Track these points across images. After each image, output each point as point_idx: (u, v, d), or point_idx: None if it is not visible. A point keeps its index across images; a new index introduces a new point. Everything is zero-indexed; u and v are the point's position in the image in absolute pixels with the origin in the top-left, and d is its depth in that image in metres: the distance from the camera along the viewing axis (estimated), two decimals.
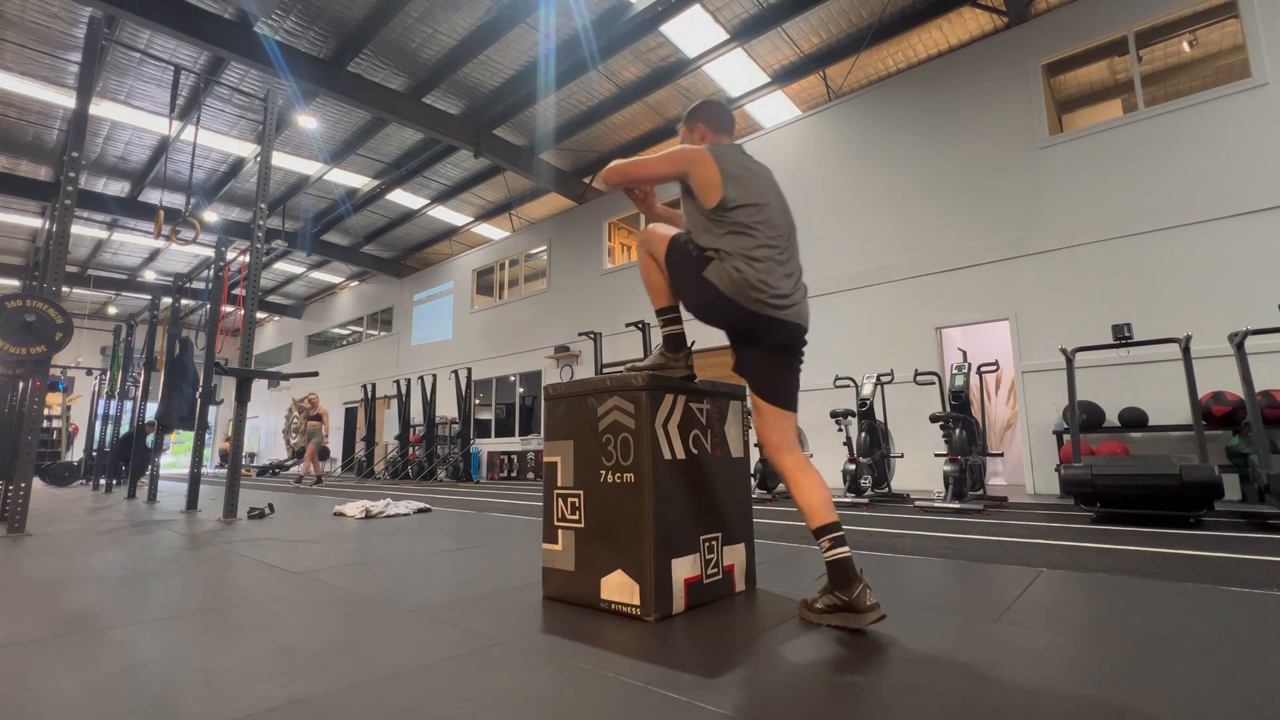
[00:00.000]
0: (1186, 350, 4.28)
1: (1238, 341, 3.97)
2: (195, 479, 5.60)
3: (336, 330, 20.82)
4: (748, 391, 1.93)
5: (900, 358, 7.81)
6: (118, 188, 12.76)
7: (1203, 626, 1.62)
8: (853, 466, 5.71)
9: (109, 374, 10.22)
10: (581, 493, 1.97)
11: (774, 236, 1.86)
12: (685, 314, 2.06)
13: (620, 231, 12.74)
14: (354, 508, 4.94)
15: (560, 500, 2.03)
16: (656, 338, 10.13)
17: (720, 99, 1.96)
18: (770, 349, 1.87)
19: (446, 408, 14.39)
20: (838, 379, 6.84)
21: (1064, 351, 4.77)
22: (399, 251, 16.74)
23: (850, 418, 6.26)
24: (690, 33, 8.05)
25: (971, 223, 7.64)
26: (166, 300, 13.47)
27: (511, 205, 13.73)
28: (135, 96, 9.71)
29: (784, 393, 1.90)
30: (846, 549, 1.68)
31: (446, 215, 14.28)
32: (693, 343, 2.18)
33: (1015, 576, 2.29)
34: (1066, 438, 6.28)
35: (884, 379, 6.58)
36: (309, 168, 12.01)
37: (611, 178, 2.01)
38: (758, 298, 1.79)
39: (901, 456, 6.78)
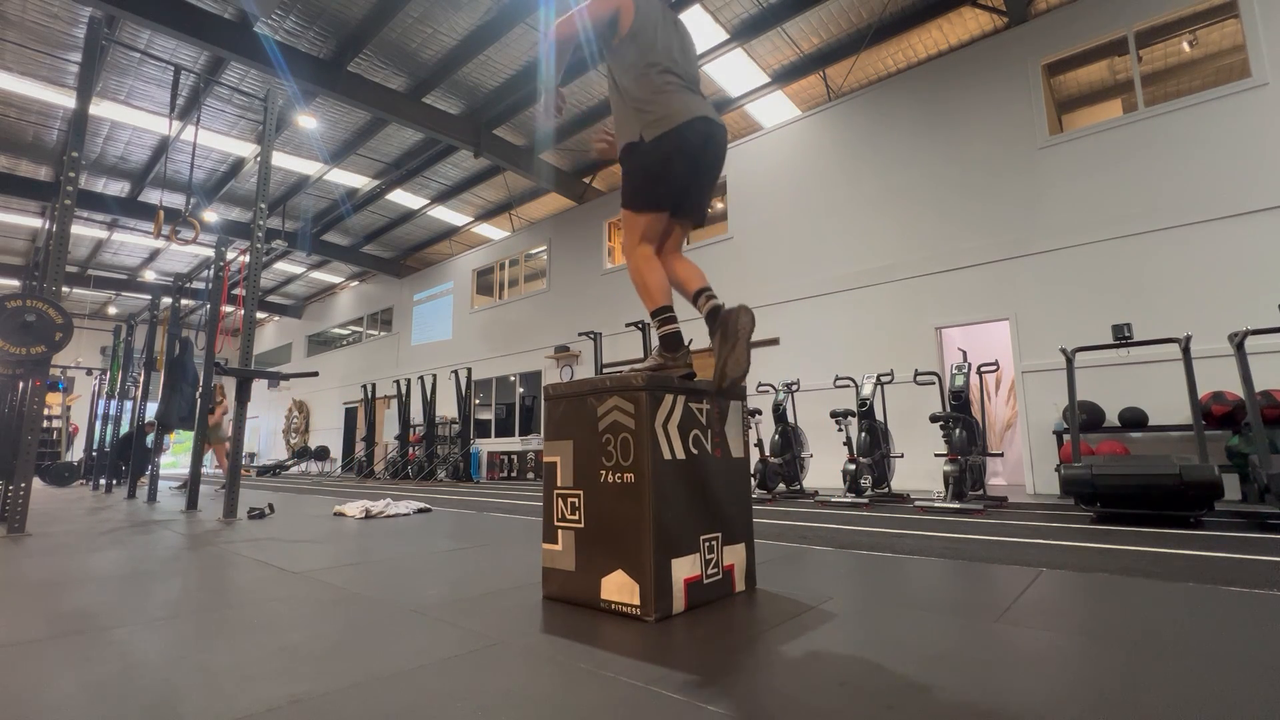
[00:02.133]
0: (1186, 350, 4.28)
1: (1238, 341, 3.97)
2: (195, 479, 5.60)
3: (336, 330, 20.82)
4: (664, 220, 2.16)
5: (900, 358, 7.81)
6: (118, 188, 12.76)
7: (1203, 627, 1.62)
8: (853, 466, 5.71)
9: (109, 374, 10.22)
10: (581, 493, 1.97)
11: (672, 63, 2.17)
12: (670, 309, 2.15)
13: (620, 231, 12.73)
14: (354, 508, 4.94)
15: (560, 500, 2.03)
16: (656, 338, 10.13)
17: None
18: (701, 163, 2.12)
19: (446, 408, 14.39)
20: (838, 379, 6.84)
21: (1064, 351, 4.77)
22: (399, 251, 16.74)
23: (850, 418, 6.26)
24: (690, 32, 8.04)
25: (971, 223, 7.64)
26: (166, 300, 13.46)
27: (511, 205, 13.73)
28: (135, 96, 9.71)
29: (700, 207, 2.26)
30: (678, 326, 2.06)
31: (446, 215, 14.28)
32: (690, 341, 2.19)
33: (1015, 576, 2.29)
34: (1066, 438, 6.28)
35: (884, 379, 6.58)
36: (309, 168, 12.02)
37: (565, 31, 2.19)
38: (689, 113, 2.06)
39: (901, 456, 6.78)
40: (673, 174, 2.07)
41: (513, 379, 13.91)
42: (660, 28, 2.20)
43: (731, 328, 1.86)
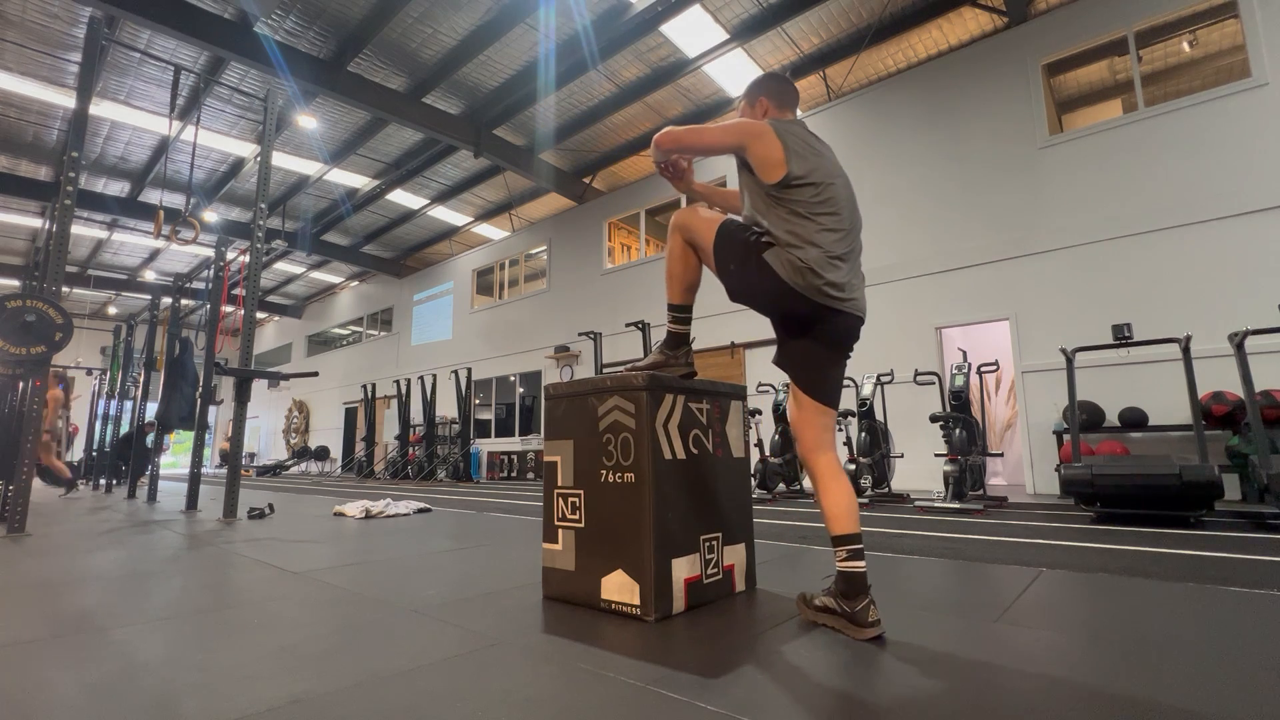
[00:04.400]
0: (1186, 350, 4.28)
1: (1238, 341, 3.97)
2: (195, 479, 5.60)
3: (336, 330, 20.81)
4: (790, 386, 1.83)
5: (900, 358, 7.81)
6: (118, 188, 12.75)
7: (1203, 626, 1.61)
8: (853, 466, 5.71)
9: (109, 374, 10.22)
10: (581, 492, 1.97)
11: (838, 221, 1.75)
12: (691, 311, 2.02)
13: (620, 231, 12.75)
14: (354, 508, 4.94)
15: (560, 500, 2.03)
16: (656, 337, 10.12)
17: (784, 74, 1.97)
18: (824, 342, 1.76)
19: (446, 408, 14.39)
20: None
21: (1064, 351, 4.77)
22: (399, 251, 16.74)
23: (850, 418, 6.26)
24: (690, 33, 8.05)
25: (971, 222, 7.64)
26: (166, 300, 13.46)
27: (511, 205, 13.72)
28: (135, 96, 9.71)
29: (830, 388, 1.80)
30: (863, 563, 1.63)
31: (446, 215, 14.28)
32: (693, 339, 2.16)
33: (1015, 576, 2.29)
34: (1066, 438, 6.28)
35: (884, 379, 6.58)
36: (309, 168, 12.01)
37: (665, 142, 1.85)
38: (819, 286, 1.67)
39: (901, 456, 6.78)
40: (767, 309, 1.82)
41: (513, 379, 13.91)
42: (841, 186, 1.83)
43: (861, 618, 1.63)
